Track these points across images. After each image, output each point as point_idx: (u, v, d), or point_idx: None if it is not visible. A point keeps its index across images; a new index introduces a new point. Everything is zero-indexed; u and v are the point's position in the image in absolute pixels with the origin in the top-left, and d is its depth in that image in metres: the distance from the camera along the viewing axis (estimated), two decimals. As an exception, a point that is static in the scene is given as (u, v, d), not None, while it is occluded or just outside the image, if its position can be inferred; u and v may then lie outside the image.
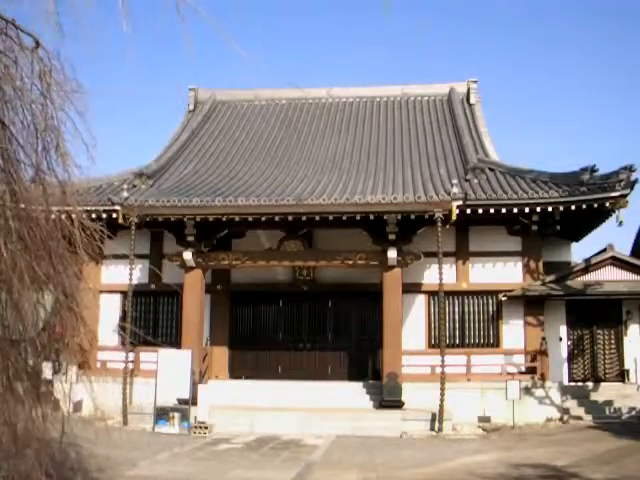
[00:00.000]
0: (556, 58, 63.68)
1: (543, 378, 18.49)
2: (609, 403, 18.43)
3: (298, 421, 16.16)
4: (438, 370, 16.80)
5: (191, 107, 28.12)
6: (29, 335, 4.99)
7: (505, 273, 19.92)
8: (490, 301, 20.10)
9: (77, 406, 15.08)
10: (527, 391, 18.04)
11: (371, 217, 17.17)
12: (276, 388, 18.47)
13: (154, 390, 16.56)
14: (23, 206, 4.84)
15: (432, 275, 18.45)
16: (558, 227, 19.13)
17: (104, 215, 16.94)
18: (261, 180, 20.19)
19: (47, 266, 4.96)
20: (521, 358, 19.48)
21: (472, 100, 26.48)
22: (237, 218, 17.47)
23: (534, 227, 19.21)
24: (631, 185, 17.46)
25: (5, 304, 4.86)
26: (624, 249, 21.24)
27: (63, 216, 5.26)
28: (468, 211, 17.89)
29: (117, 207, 17.71)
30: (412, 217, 17.17)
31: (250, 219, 17.41)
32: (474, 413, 17.97)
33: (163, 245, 20.94)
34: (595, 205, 17.87)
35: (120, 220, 17.60)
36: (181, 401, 16.79)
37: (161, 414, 16.50)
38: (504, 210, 18.17)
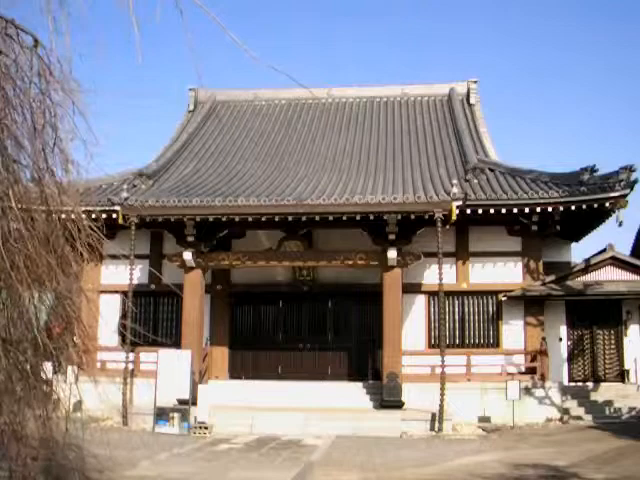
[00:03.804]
0: (556, 58, 63.72)
1: (543, 378, 18.48)
2: (609, 403, 18.42)
3: (298, 421, 16.15)
4: (438, 370, 16.79)
5: (191, 107, 28.12)
6: (29, 335, 4.99)
7: (505, 273, 19.92)
8: (490, 301, 20.10)
9: (77, 406, 15.10)
10: (527, 391, 18.04)
11: (371, 217, 17.17)
12: (276, 388, 18.46)
13: (154, 390, 16.54)
14: (22, 206, 4.84)
15: (432, 275, 18.44)
16: (558, 227, 19.12)
17: (104, 215, 16.92)
18: (261, 180, 20.19)
19: (46, 266, 4.95)
20: (521, 358, 19.47)
21: (472, 100, 26.48)
22: (237, 218, 17.47)
23: (534, 227, 19.20)
24: (631, 185, 17.46)
25: (5, 304, 4.85)
26: (624, 249, 21.27)
27: (63, 216, 5.26)
28: (468, 211, 17.89)
29: (117, 207, 17.71)
30: (412, 217, 17.16)
31: (250, 219, 17.41)
32: (474, 413, 17.97)
33: (163, 245, 20.94)
34: (595, 205, 17.87)
35: (120, 220, 17.60)
36: (181, 401, 16.78)
37: (161, 414, 16.49)
38: (504, 210, 18.17)
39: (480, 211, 18.21)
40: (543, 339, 19.14)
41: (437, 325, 18.99)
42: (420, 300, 20.14)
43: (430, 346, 19.69)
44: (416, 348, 19.43)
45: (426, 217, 16.88)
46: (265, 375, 20.01)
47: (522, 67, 64.27)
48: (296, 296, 20.84)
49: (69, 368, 5.77)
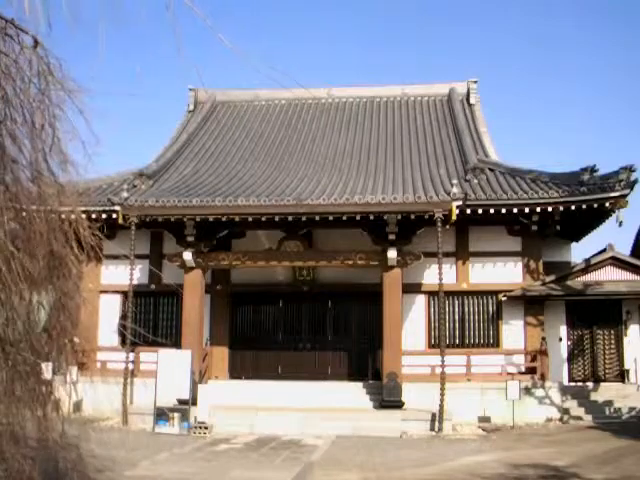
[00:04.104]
0: (556, 58, 63.72)
1: (543, 378, 18.49)
2: (609, 403, 18.42)
3: (298, 421, 16.15)
4: (438, 370, 16.79)
5: (191, 107, 28.13)
6: (28, 335, 4.99)
7: (505, 273, 19.92)
8: (490, 301, 20.10)
9: (77, 406, 15.08)
10: (527, 391, 18.04)
11: (371, 217, 17.17)
12: (276, 388, 18.45)
13: (154, 390, 16.54)
14: (22, 206, 4.84)
15: (432, 275, 18.44)
16: (558, 227, 19.12)
17: (104, 215, 17.00)
18: (261, 180, 20.19)
19: (46, 267, 4.95)
20: (521, 358, 19.47)
21: (472, 100, 26.49)
22: (237, 218, 17.47)
23: (534, 227, 19.20)
24: (631, 185, 17.46)
25: (4, 304, 4.85)
26: (624, 249, 21.28)
27: (62, 216, 5.25)
28: (468, 211, 17.89)
29: (117, 207, 17.71)
30: (412, 217, 17.16)
31: (250, 219, 17.41)
32: (474, 413, 17.97)
33: (163, 245, 20.93)
34: (595, 205, 17.87)
35: (120, 220, 17.60)
36: (181, 401, 16.77)
37: (161, 414, 16.48)
38: (504, 210, 18.17)
39: (480, 211, 18.21)
40: (543, 339, 19.14)
41: (437, 325, 18.98)
42: (420, 300, 20.13)
43: (430, 346, 19.69)
44: (416, 348, 19.44)
45: (426, 217, 16.88)
46: (265, 375, 20.01)
47: (522, 67, 64.34)
48: (296, 296, 20.83)
49: (69, 368, 5.77)
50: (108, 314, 19.76)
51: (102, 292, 20.20)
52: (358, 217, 17.13)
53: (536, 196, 18.08)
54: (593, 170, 18.27)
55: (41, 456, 5.07)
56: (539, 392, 18.28)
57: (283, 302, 21.24)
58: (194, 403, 16.62)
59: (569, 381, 19.84)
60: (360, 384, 18.90)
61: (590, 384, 19.71)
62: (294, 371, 20.11)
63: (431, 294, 19.57)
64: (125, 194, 17.96)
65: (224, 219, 17.57)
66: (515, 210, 18.18)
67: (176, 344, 18.68)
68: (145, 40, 71.61)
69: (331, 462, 12.31)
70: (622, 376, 19.85)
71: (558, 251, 20.77)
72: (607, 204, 17.72)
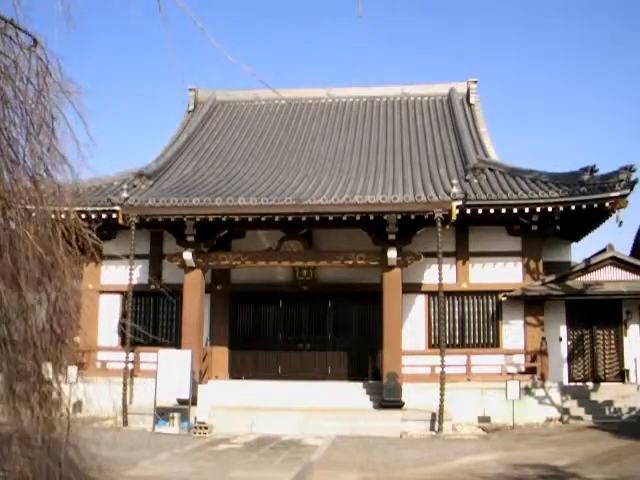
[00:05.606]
0: (556, 58, 63.71)
1: (543, 378, 18.49)
2: (609, 403, 18.42)
3: (298, 421, 16.15)
4: (438, 370, 16.79)
5: (191, 107, 28.13)
6: (29, 335, 4.99)
7: (505, 273, 19.91)
8: (490, 301, 20.10)
9: (77, 406, 15.09)
10: (527, 391, 18.04)
11: (371, 217, 17.18)
12: (276, 388, 18.46)
13: (154, 390, 16.55)
14: (21, 207, 4.84)
15: (432, 275, 18.44)
16: (558, 227, 19.13)
17: (104, 215, 17.02)
18: (261, 180, 20.19)
19: (46, 267, 4.95)
20: (521, 358, 19.47)
21: (472, 100, 26.49)
22: (237, 218, 17.47)
23: (534, 227, 19.20)
24: (631, 185, 17.47)
25: (5, 305, 4.85)
26: (624, 249, 21.27)
27: (62, 216, 5.26)
28: (468, 211, 17.89)
29: (117, 207, 17.72)
30: (412, 217, 17.16)
31: (250, 219, 17.41)
32: (474, 413, 17.97)
33: (163, 245, 20.93)
34: (595, 205, 17.87)
35: (120, 220, 17.61)
36: (181, 401, 16.79)
37: (161, 414, 16.49)
38: (504, 210, 18.18)
39: (480, 211, 18.21)
40: (543, 339, 19.14)
41: (437, 325, 18.98)
42: (420, 300, 20.13)
43: (430, 346, 19.69)
44: (416, 348, 19.43)
45: (426, 217, 16.88)
46: (265, 375, 20.01)
47: (522, 67, 64.31)
48: (296, 296, 20.83)
49: (69, 368, 5.77)
50: (108, 314, 19.76)
51: (102, 292, 20.21)
52: (358, 217, 17.14)
53: (536, 196, 18.09)
54: (593, 170, 18.28)
55: (41, 456, 5.07)
56: (539, 392, 18.28)
57: (283, 302, 21.24)
58: (194, 403, 16.62)
59: (569, 381, 19.83)
60: (360, 384, 18.90)
61: (590, 384, 19.70)
62: (294, 371, 20.12)
63: (431, 294, 19.57)
64: (125, 194, 17.95)
65: (224, 219, 17.57)
66: (515, 210, 18.18)
67: (176, 344, 18.68)
68: (145, 40, 71.63)
69: (331, 462, 12.31)
70: (622, 376, 19.84)
71: (558, 251, 20.76)
72: (607, 204, 17.73)
